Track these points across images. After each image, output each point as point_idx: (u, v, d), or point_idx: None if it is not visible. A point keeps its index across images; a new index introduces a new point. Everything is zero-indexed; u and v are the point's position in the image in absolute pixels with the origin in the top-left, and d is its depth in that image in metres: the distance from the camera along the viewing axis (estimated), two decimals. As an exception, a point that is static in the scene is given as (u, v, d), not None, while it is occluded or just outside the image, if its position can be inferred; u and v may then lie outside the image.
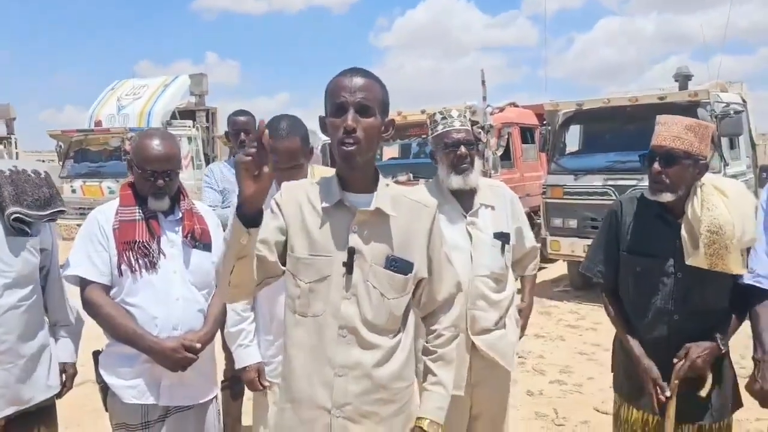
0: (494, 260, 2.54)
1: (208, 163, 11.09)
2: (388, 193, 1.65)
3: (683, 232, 2.08)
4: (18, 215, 2.04)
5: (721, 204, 2.05)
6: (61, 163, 11.36)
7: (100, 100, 12.13)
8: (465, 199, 2.57)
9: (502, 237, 2.58)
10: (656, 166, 2.08)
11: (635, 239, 2.20)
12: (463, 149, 2.51)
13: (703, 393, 2.08)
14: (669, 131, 2.08)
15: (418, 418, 1.67)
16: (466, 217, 2.54)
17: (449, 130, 2.56)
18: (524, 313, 2.84)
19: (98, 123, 11.43)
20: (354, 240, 1.60)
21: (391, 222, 1.63)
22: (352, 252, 1.59)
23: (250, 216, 1.43)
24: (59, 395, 2.27)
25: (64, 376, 2.28)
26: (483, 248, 2.52)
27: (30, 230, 2.10)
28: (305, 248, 1.61)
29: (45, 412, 2.20)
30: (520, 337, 2.80)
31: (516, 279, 2.83)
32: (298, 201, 1.64)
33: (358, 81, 1.56)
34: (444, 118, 2.59)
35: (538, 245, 3.00)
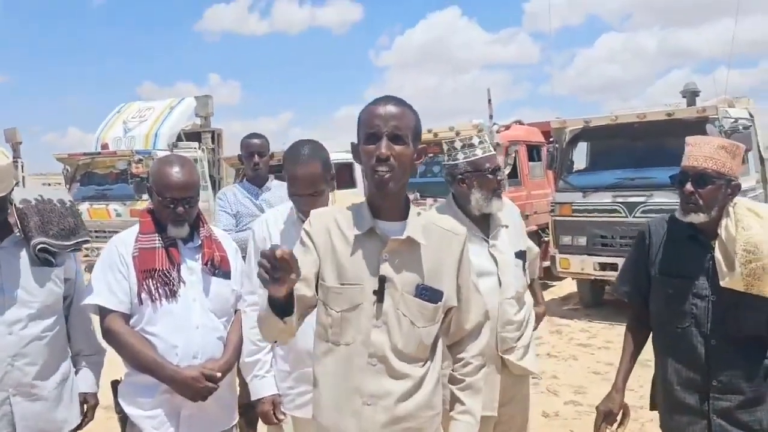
0: (518, 279, 2.57)
1: (213, 184, 11.11)
2: (420, 222, 1.64)
3: (717, 253, 2.05)
4: (44, 245, 2.03)
5: (756, 224, 2.02)
6: (67, 186, 11.37)
7: (106, 123, 12.17)
8: (482, 222, 2.56)
9: (522, 255, 2.62)
10: (688, 186, 2.05)
11: (666, 261, 2.16)
12: (500, 174, 2.56)
13: None
14: (701, 151, 2.06)
15: None
16: (487, 241, 2.53)
17: (489, 155, 2.57)
18: (539, 318, 2.97)
19: (105, 146, 11.45)
20: (385, 268, 1.58)
21: (422, 250, 1.62)
22: (383, 280, 1.58)
23: (282, 308, 1.44)
24: (80, 426, 2.25)
25: (85, 406, 2.25)
26: (508, 270, 2.52)
27: (55, 260, 2.09)
28: (336, 277, 1.60)
29: None
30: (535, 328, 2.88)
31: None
32: (328, 228, 1.63)
33: (392, 109, 1.56)
34: (482, 142, 2.60)
35: (539, 249, 3.13)
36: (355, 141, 1.64)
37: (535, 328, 2.85)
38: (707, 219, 2.06)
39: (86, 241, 2.17)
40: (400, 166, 1.55)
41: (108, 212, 10.16)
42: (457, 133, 8.81)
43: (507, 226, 2.60)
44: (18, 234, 2.08)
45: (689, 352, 2.09)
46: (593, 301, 8.09)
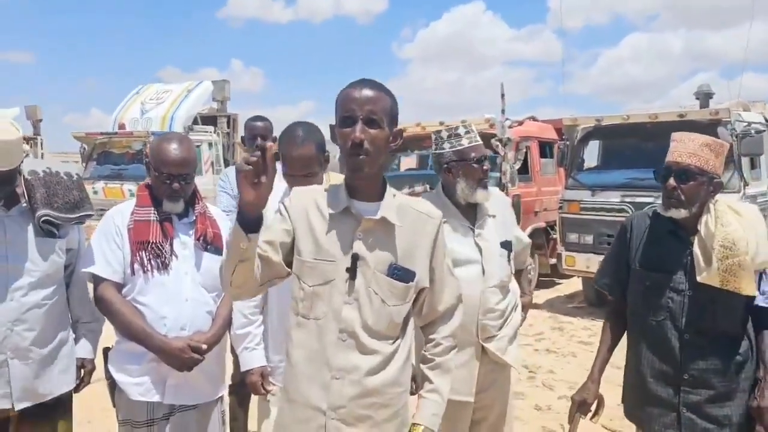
0: (502, 269, 2.59)
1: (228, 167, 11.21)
2: (395, 203, 1.68)
3: (696, 248, 2.08)
4: (47, 218, 2.12)
5: (734, 221, 2.05)
6: (84, 164, 11.54)
7: (124, 104, 12.30)
8: (469, 211, 2.60)
9: (507, 245, 2.65)
10: (671, 181, 2.09)
11: (646, 254, 2.20)
12: (486, 164, 2.58)
13: None
14: (685, 148, 2.09)
15: (414, 425, 1.70)
16: (473, 230, 2.57)
17: (475, 144, 2.60)
18: (526, 307, 2.95)
19: (122, 126, 11.58)
20: (358, 246, 1.63)
21: (396, 231, 1.66)
22: (355, 258, 1.62)
23: (249, 221, 1.48)
24: (76, 389, 2.35)
25: (82, 371, 2.35)
26: (492, 259, 2.56)
27: (58, 232, 2.18)
28: (311, 252, 1.65)
29: (61, 405, 2.28)
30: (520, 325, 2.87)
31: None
32: (306, 206, 1.68)
33: (367, 93, 1.60)
34: (468, 132, 2.63)
35: (530, 241, 3.12)
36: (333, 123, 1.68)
37: (523, 318, 2.88)
38: (688, 214, 2.10)
39: (89, 215, 2.25)
40: (375, 150, 1.59)
41: (122, 192, 10.28)
42: (463, 122, 8.82)
43: (494, 216, 2.64)
44: (25, 204, 2.17)
45: (663, 344, 2.13)
46: (598, 299, 8.07)
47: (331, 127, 1.69)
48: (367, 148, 1.58)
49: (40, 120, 14.28)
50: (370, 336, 1.64)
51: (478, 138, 2.63)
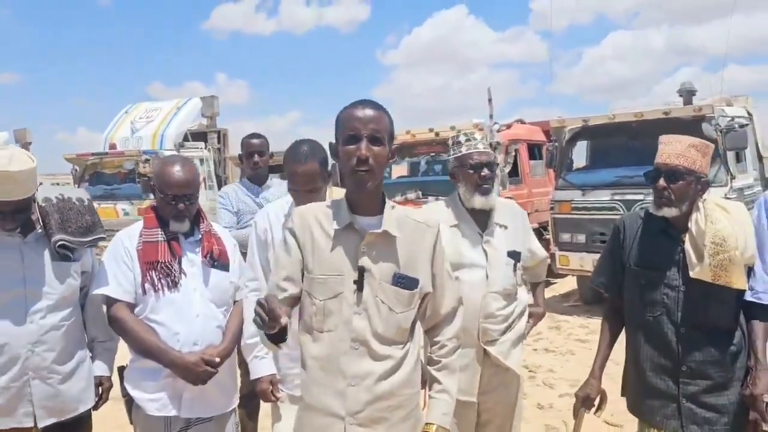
0: (507, 278, 2.65)
1: (219, 184, 11.25)
2: (394, 215, 1.76)
3: (687, 245, 2.17)
4: (63, 242, 2.19)
5: (723, 218, 2.14)
6: (76, 185, 11.55)
7: (114, 124, 12.32)
8: (481, 218, 2.67)
9: (515, 256, 2.69)
10: (661, 182, 2.18)
11: (640, 253, 2.29)
12: (486, 171, 2.63)
13: None
14: (673, 149, 2.18)
15: (427, 424, 1.78)
16: (482, 236, 2.64)
17: (473, 151, 2.67)
18: (536, 318, 2.95)
19: (113, 146, 11.60)
20: (364, 260, 1.72)
21: (397, 242, 1.75)
22: (362, 271, 1.71)
23: (275, 337, 1.55)
24: (95, 407, 2.42)
25: (100, 389, 2.42)
26: (498, 266, 2.62)
27: (73, 255, 2.26)
28: (318, 269, 1.73)
29: (81, 422, 2.36)
30: (527, 333, 2.90)
31: (528, 289, 2.98)
32: (310, 224, 1.76)
33: (370, 113, 1.69)
34: (468, 140, 2.71)
35: (547, 255, 3.13)
36: (333, 140, 1.77)
37: (532, 326, 2.93)
38: (678, 213, 2.19)
39: (102, 238, 2.33)
40: (378, 166, 1.69)
41: (116, 211, 10.30)
42: (459, 131, 8.91)
43: (506, 227, 2.69)
44: (40, 230, 2.25)
45: (660, 339, 2.22)
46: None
47: (331, 144, 1.78)
48: (371, 164, 1.67)
49: (30, 143, 14.26)
50: (381, 343, 1.72)
51: (479, 145, 2.68)
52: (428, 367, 1.87)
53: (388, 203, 1.78)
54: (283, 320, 1.48)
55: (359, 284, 1.71)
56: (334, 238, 1.73)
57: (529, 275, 3.01)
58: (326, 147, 2.47)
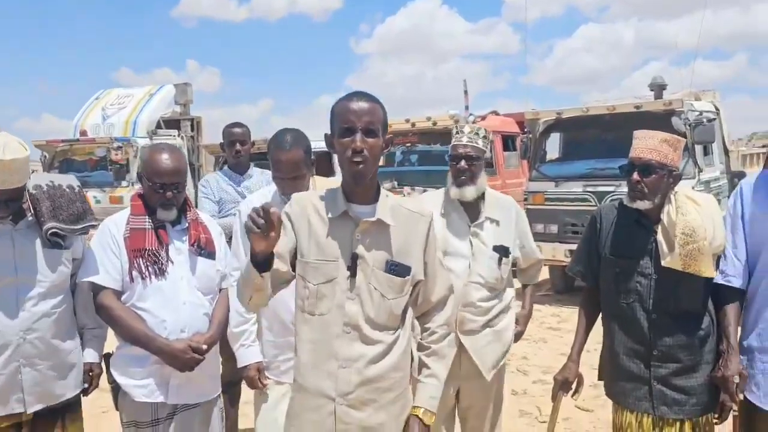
0: (491, 271, 2.70)
1: (193, 171, 11.17)
2: (388, 204, 1.82)
3: (659, 236, 2.27)
4: (55, 230, 2.19)
5: (693, 210, 2.25)
6: (45, 173, 11.35)
7: (84, 110, 12.11)
8: (472, 209, 2.73)
9: (501, 250, 2.73)
10: (635, 175, 2.27)
11: (615, 243, 2.38)
12: (463, 163, 2.68)
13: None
14: (646, 144, 2.27)
15: (414, 407, 1.85)
16: (470, 227, 2.70)
17: (456, 144, 2.75)
18: (522, 320, 2.98)
19: (83, 133, 11.40)
20: (357, 247, 1.77)
21: (391, 230, 1.80)
22: (355, 257, 1.77)
23: (262, 263, 1.63)
24: (85, 393, 2.44)
25: (90, 375, 2.43)
26: (481, 259, 2.68)
27: (64, 243, 2.26)
28: (313, 254, 1.78)
29: (71, 407, 2.37)
30: (516, 340, 2.94)
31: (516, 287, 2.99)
32: (307, 211, 1.81)
33: (364, 105, 1.74)
34: (457, 132, 2.78)
35: (541, 257, 3.14)
36: (329, 132, 1.82)
37: (519, 332, 2.95)
38: (651, 205, 2.28)
39: (93, 225, 2.33)
40: (373, 157, 1.74)
41: (88, 199, 10.16)
42: (434, 123, 9.00)
43: (498, 222, 2.75)
44: (31, 218, 2.24)
45: (633, 324, 2.32)
46: (564, 287, 8.35)
47: (327, 136, 1.82)
48: (366, 156, 1.72)
49: (-4, 129, 13.94)
50: (372, 328, 1.78)
51: (463, 138, 2.74)
52: (418, 352, 1.94)
53: (383, 192, 1.84)
54: (273, 234, 1.56)
55: (352, 270, 1.76)
56: (330, 225, 1.78)
57: (522, 276, 3.05)
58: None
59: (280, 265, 1.74)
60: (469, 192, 2.69)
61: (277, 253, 1.72)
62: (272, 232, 1.57)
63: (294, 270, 1.81)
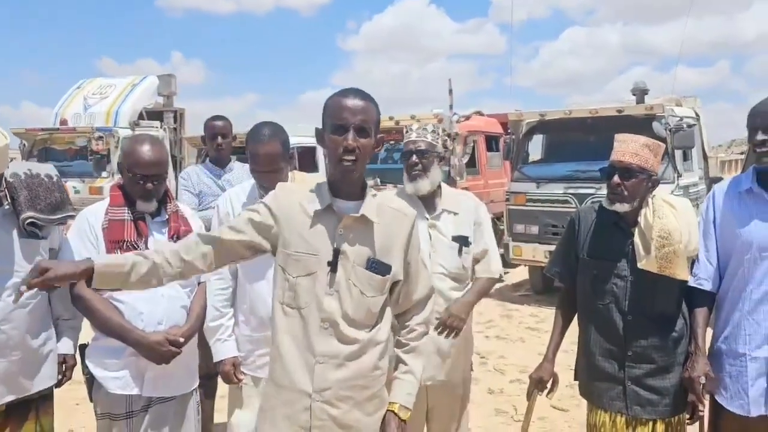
0: (451, 261, 2.70)
1: (175, 164, 11.08)
2: (374, 202, 1.82)
3: (636, 238, 2.29)
4: (32, 220, 2.16)
5: (670, 214, 2.28)
6: (24, 161, 11.19)
7: (65, 99, 11.94)
8: (428, 203, 2.74)
9: (461, 240, 2.74)
10: (615, 179, 2.30)
11: (593, 245, 2.41)
12: (414, 158, 2.70)
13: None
14: (627, 148, 2.30)
15: (391, 403, 1.85)
16: (428, 219, 2.71)
17: (406, 141, 2.77)
18: (458, 307, 2.65)
19: (64, 122, 11.23)
20: (339, 242, 1.77)
21: (375, 228, 1.80)
22: (337, 252, 1.76)
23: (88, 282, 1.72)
24: (58, 384, 2.41)
25: (63, 366, 2.41)
26: (441, 249, 2.69)
27: (41, 233, 2.22)
28: (295, 246, 1.78)
29: (44, 399, 2.34)
30: (449, 334, 2.64)
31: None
32: (292, 202, 1.81)
33: (358, 103, 1.73)
34: (407, 131, 2.81)
35: (495, 251, 2.86)
36: (320, 127, 1.81)
37: (452, 323, 2.62)
38: (630, 208, 2.31)
39: (71, 216, 2.30)
40: (363, 156, 1.74)
41: (66, 189, 10.04)
42: (418, 121, 9.02)
43: (456, 213, 2.76)
44: (7, 207, 2.20)
45: (609, 326, 2.35)
46: (543, 287, 8.42)
47: (318, 130, 1.82)
48: (358, 155, 1.72)
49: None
50: (350, 325, 1.77)
51: (413, 135, 2.76)
52: (395, 349, 1.94)
53: (370, 190, 1.84)
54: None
55: (333, 265, 1.76)
56: (313, 219, 1.78)
57: (477, 267, 2.84)
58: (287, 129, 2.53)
59: (231, 236, 1.78)
60: (423, 185, 2.69)
61: (234, 227, 1.78)
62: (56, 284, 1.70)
63: (256, 253, 1.83)
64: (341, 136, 1.72)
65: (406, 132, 2.80)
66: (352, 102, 1.73)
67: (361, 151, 1.73)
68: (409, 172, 2.71)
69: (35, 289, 2.23)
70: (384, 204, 1.85)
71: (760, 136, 2.13)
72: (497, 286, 9.21)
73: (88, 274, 1.68)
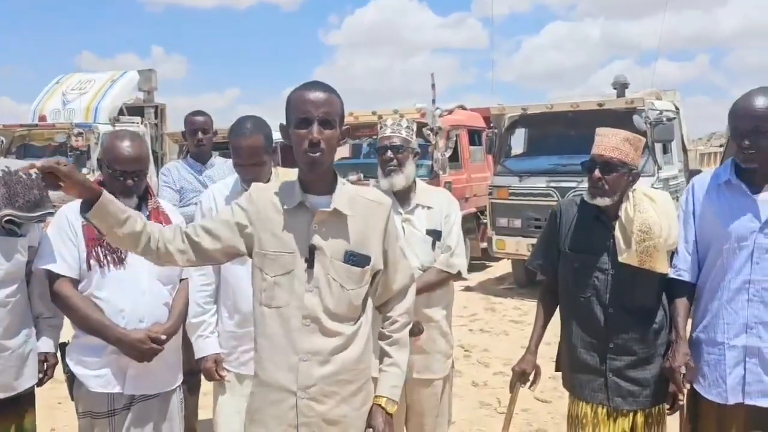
0: (425, 255, 2.70)
1: (156, 160, 10.98)
2: (346, 194, 1.81)
3: (617, 232, 2.31)
4: (10, 217, 2.13)
5: (650, 208, 2.30)
6: (2, 158, 11.03)
7: (44, 94, 11.78)
8: (403, 197, 2.73)
9: (434, 234, 2.73)
10: (596, 172, 2.31)
11: (574, 238, 2.42)
12: (388, 153, 2.69)
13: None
14: (608, 142, 2.31)
15: (377, 396, 1.85)
16: (402, 214, 2.71)
17: (381, 137, 2.76)
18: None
19: (42, 118, 11.10)
20: (315, 238, 1.76)
21: (349, 220, 1.79)
22: (312, 249, 1.76)
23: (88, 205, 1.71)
24: (39, 383, 2.38)
25: (45, 365, 2.38)
26: (414, 242, 2.68)
27: (20, 230, 2.19)
28: (270, 245, 1.77)
29: (25, 399, 2.31)
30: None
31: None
32: (265, 202, 1.80)
33: (321, 96, 1.72)
34: (381, 126, 2.79)
35: (461, 249, 2.78)
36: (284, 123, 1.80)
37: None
38: (611, 202, 2.33)
39: (50, 213, 2.27)
40: (329, 148, 1.73)
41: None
42: (401, 116, 9.00)
43: (430, 208, 2.74)
44: None
45: (590, 318, 2.37)
46: (527, 280, 8.47)
47: (282, 126, 1.81)
48: (323, 147, 1.71)
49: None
50: (332, 319, 1.77)
51: (387, 130, 2.74)
52: (379, 341, 1.94)
53: (340, 182, 1.83)
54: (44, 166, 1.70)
55: (310, 262, 1.75)
56: (286, 217, 1.77)
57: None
58: (270, 124, 2.51)
59: (206, 240, 1.78)
60: (398, 180, 2.68)
61: (208, 229, 1.79)
62: (61, 182, 1.70)
63: (232, 257, 1.85)
64: (305, 130, 1.71)
65: (381, 127, 2.79)
66: (315, 95, 1.72)
67: (326, 143, 1.72)
68: (384, 168, 2.70)
69: (16, 286, 2.21)
70: (356, 195, 1.84)
71: (746, 142, 2.14)
72: (480, 279, 9.27)
73: (95, 194, 1.70)
